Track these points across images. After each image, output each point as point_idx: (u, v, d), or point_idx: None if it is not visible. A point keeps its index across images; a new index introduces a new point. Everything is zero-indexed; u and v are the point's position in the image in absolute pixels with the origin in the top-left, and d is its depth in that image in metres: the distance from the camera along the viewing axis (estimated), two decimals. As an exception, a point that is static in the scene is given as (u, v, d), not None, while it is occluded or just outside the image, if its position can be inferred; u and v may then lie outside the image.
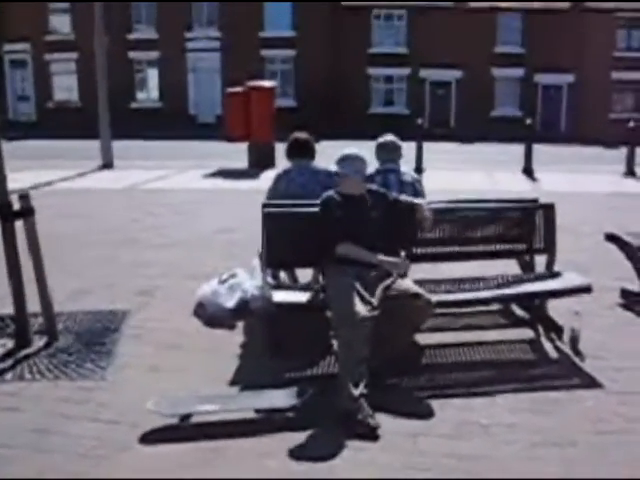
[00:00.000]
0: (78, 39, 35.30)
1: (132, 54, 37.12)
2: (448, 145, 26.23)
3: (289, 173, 5.72)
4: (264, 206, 5.05)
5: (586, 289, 4.89)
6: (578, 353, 4.86)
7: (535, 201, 5.56)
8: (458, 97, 36.98)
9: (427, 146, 17.07)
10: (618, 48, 36.59)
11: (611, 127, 30.41)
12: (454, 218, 5.36)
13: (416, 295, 4.25)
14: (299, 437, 3.66)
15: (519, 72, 36.76)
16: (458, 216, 5.37)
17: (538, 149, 17.99)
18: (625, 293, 6.14)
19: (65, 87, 38.52)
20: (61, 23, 37.89)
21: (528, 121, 16.85)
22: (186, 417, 3.80)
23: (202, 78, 37.08)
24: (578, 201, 11.70)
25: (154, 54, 37.17)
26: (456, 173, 15.91)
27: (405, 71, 36.91)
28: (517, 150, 16.77)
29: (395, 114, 35.31)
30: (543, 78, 36.70)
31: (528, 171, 15.89)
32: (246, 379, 4.43)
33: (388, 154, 5.58)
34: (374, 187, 4.89)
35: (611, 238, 6.46)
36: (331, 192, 4.71)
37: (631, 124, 16.71)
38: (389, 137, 5.68)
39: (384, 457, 3.49)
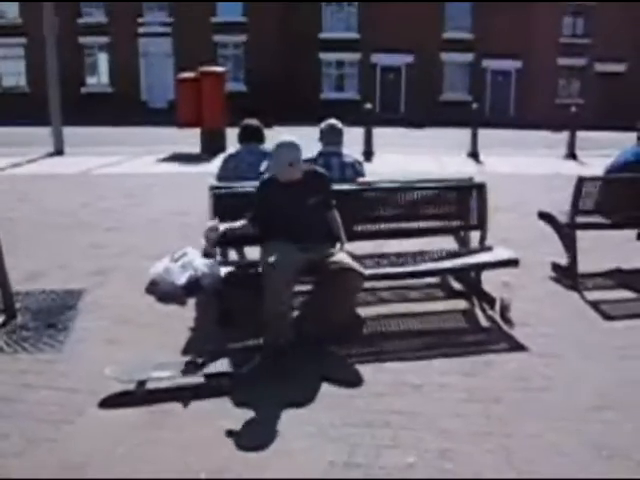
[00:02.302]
0: (26, 24, 34.83)
1: (82, 39, 36.76)
2: (398, 130, 26.64)
3: (239, 154, 5.99)
4: (212, 188, 5.31)
5: (514, 262, 5.27)
6: (507, 321, 5.25)
7: (470, 181, 5.90)
8: (408, 82, 37.45)
9: (377, 131, 17.42)
10: (564, 35, 37.40)
11: (557, 112, 31.08)
12: (395, 198, 5.67)
13: (348, 268, 4.55)
14: (246, 398, 3.95)
15: (468, 57, 37.39)
16: (399, 196, 5.68)
17: (487, 133, 18.49)
18: (555, 267, 6.56)
19: (13, 72, 37.99)
20: (8, 7, 37.31)
21: (474, 106, 17.30)
22: (141, 383, 4.05)
23: (154, 63, 36.93)
24: (519, 182, 12.18)
25: (104, 39, 36.88)
26: (405, 157, 16.28)
27: (356, 56, 37.25)
28: (465, 134, 17.20)
29: (346, 99, 35.65)
30: (491, 64, 37.38)
31: (474, 154, 16.36)
32: (196, 349, 4.70)
33: (330, 138, 5.89)
34: (319, 170, 5.07)
35: (543, 216, 6.85)
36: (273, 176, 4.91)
37: (573, 109, 17.28)
38: (332, 121, 5.98)
39: (324, 415, 3.80)
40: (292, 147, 4.72)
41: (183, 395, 4.01)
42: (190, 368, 4.28)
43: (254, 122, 6.17)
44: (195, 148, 17.35)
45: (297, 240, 4.65)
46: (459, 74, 37.55)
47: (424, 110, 34.01)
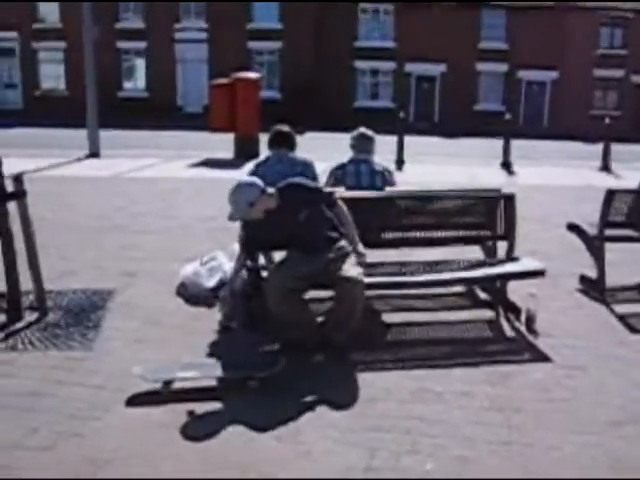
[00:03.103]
0: (66, 28, 35.43)
1: (120, 43, 37.27)
2: (432, 139, 26.62)
3: (268, 161, 6.06)
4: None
5: (540, 273, 5.28)
6: (533, 332, 5.25)
7: (498, 191, 5.92)
8: (442, 92, 37.40)
9: (411, 140, 17.48)
10: (600, 46, 37.11)
11: (591, 123, 30.85)
12: (423, 206, 5.71)
13: (347, 278, 4.55)
14: (270, 400, 4.02)
15: (503, 67, 37.24)
16: (427, 205, 5.72)
17: (520, 144, 18.43)
18: (583, 279, 6.54)
19: (52, 75, 38.64)
20: (49, 12, 37.97)
21: (507, 116, 17.25)
22: (167, 383, 4.13)
23: (190, 68, 37.32)
24: (551, 194, 12.13)
25: (142, 44, 37.34)
26: (436, 167, 16.27)
27: (391, 65, 37.29)
28: (498, 145, 17.15)
29: (380, 108, 35.72)
30: (526, 74, 37.19)
31: (506, 165, 16.30)
32: (222, 351, 4.77)
33: (361, 145, 5.96)
34: (293, 181, 4.88)
35: (572, 228, 6.84)
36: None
37: (607, 121, 17.14)
38: (362, 129, 6.05)
39: (345, 420, 3.84)
40: (245, 187, 4.66)
41: (208, 395, 4.09)
42: (216, 369, 4.35)
43: (285, 128, 6.21)
44: (228, 153, 17.50)
45: (304, 252, 4.77)
46: (493, 84, 37.41)
47: (458, 120, 33.93)
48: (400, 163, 15.87)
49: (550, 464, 3.45)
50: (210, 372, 4.31)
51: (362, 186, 5.66)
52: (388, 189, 5.73)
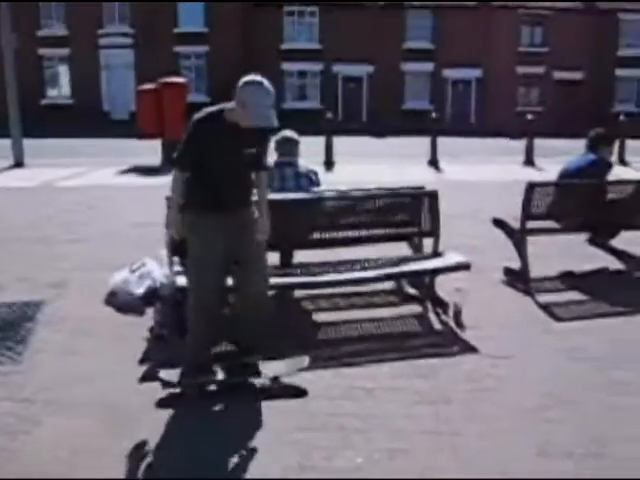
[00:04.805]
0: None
1: (42, 50, 36.50)
2: (360, 139, 26.82)
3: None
4: (167, 198, 5.36)
5: (465, 266, 5.43)
6: (460, 325, 5.39)
7: (422, 189, 6.04)
8: (370, 92, 37.76)
9: (340, 140, 17.57)
10: (522, 44, 38.02)
11: (516, 120, 31.54)
12: (350, 206, 5.79)
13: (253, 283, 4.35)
14: (207, 408, 4.04)
15: (429, 67, 37.81)
16: (354, 204, 5.80)
17: (447, 142, 18.73)
18: (508, 271, 6.73)
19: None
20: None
21: (433, 115, 17.55)
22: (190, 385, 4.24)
23: (115, 74, 36.78)
24: (478, 190, 12.39)
25: (65, 51, 36.65)
26: (365, 166, 16.41)
27: (318, 66, 37.48)
28: (426, 143, 17.41)
29: (308, 109, 35.83)
30: (452, 73, 37.83)
31: (434, 163, 16.57)
32: (155, 358, 4.76)
33: (285, 148, 5.99)
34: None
35: (497, 222, 7.02)
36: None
37: (529, 117, 17.59)
38: (287, 132, 6.08)
39: (276, 420, 3.89)
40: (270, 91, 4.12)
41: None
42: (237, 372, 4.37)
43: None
44: (157, 159, 17.33)
45: (223, 199, 4.18)
46: (420, 83, 37.94)
47: (386, 119, 34.30)
48: (329, 164, 15.99)
49: (479, 452, 3.56)
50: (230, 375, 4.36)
51: (288, 189, 5.71)
52: (314, 190, 5.80)
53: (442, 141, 17.27)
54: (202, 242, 4.21)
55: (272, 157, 6.04)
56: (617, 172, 9.00)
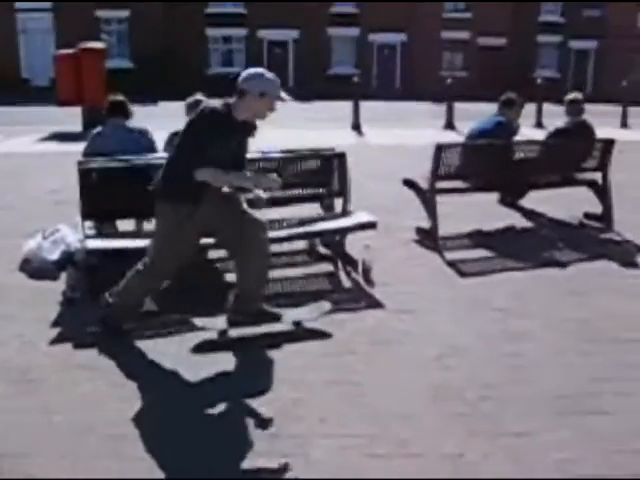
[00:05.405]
0: None
1: (-45, 14, 35.10)
2: (286, 104, 26.69)
3: (105, 132, 6.07)
4: (79, 163, 5.38)
5: (372, 225, 5.59)
6: (369, 282, 5.57)
7: (332, 150, 6.17)
8: (296, 57, 37.61)
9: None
10: (446, 9, 38.33)
11: (441, 84, 31.87)
12: (267, 169, 5.86)
13: None
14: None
15: (354, 32, 37.83)
16: (265, 166, 5.88)
17: (373, 106, 18.88)
18: (419, 231, 6.94)
19: None
20: None
21: (355, 79, 17.67)
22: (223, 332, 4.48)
23: (34, 39, 35.62)
24: (397, 153, 12.61)
25: (-22, 15, 35.33)
26: (289, 130, 16.44)
27: (243, 31, 37.09)
28: (350, 107, 17.53)
29: (234, 74, 35.39)
30: (377, 37, 37.94)
31: (356, 127, 16.73)
32: (68, 321, 4.81)
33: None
34: None
35: (407, 183, 7.22)
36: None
37: (449, 81, 17.91)
38: (197, 96, 6.14)
39: (182, 375, 4.00)
40: None
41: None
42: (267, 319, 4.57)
43: (119, 97, 6.28)
44: (77, 126, 17.01)
45: (205, 193, 4.30)
46: (346, 48, 37.95)
47: (312, 84, 34.26)
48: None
49: (378, 399, 3.75)
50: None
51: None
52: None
53: (368, 105, 17.43)
54: (176, 230, 4.30)
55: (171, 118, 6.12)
56: (533, 134, 9.32)
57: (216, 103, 4.34)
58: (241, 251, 4.43)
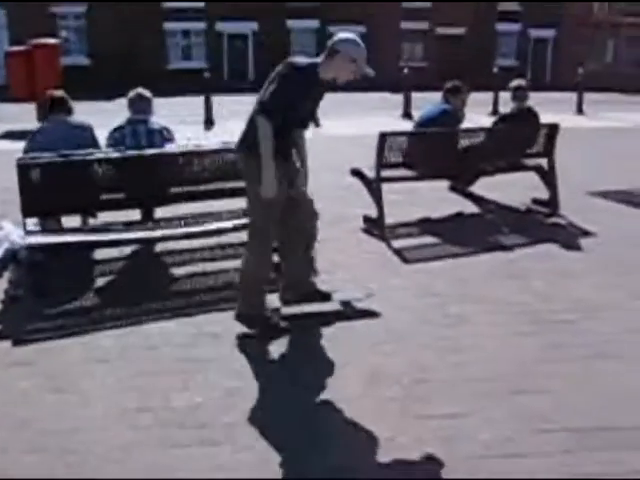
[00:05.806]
0: None
1: None
2: (246, 98, 26.68)
3: (46, 128, 6.04)
4: (18, 159, 5.33)
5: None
6: (313, 270, 5.58)
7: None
8: (255, 50, 37.45)
9: (227, 99, 17.54)
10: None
11: (400, 74, 32.03)
12: (202, 161, 5.84)
13: None
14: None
15: (314, 24, 37.78)
16: (205, 159, 5.84)
17: (335, 98, 18.80)
18: (366, 219, 6.99)
19: None
20: None
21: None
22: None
23: (-13, 35, 35.04)
24: (353, 143, 12.64)
25: None
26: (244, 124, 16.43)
27: (201, 25, 36.84)
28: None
29: (194, 68, 35.20)
30: (336, 29, 37.86)
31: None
32: (9, 319, 4.79)
33: (138, 106, 6.04)
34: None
35: (354, 173, 7.27)
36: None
37: (405, 71, 18.02)
38: (139, 90, 6.12)
39: (120, 369, 4.01)
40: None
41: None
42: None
43: (59, 93, 6.25)
44: (32, 124, 16.81)
45: (288, 149, 4.55)
46: (306, 40, 37.86)
47: (273, 77, 34.13)
48: (209, 122, 15.92)
49: (315, 384, 3.80)
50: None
51: (141, 146, 5.75)
52: (168, 147, 5.86)
53: (329, 96, 17.32)
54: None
55: (125, 115, 6.11)
56: (488, 122, 9.41)
57: (302, 61, 4.44)
58: (290, 230, 4.55)
